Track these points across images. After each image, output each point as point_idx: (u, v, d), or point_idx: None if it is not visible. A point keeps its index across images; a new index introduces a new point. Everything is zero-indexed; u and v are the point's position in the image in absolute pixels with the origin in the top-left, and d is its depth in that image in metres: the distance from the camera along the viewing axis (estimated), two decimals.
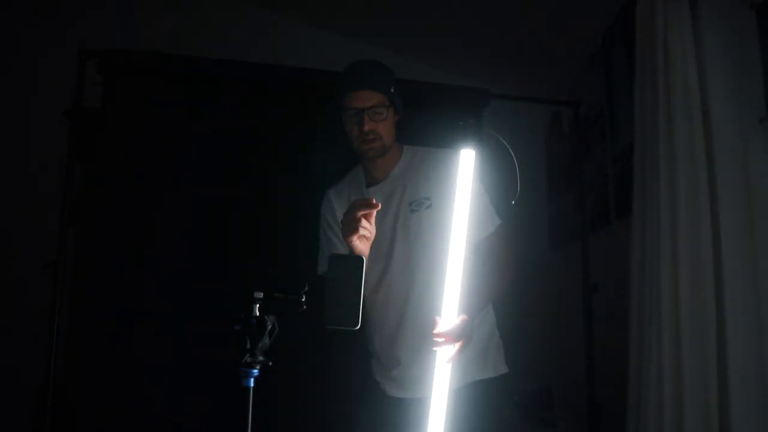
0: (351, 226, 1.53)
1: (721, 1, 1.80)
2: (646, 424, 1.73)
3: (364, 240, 1.56)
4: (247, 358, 1.14)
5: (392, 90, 1.81)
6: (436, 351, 1.52)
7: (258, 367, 1.15)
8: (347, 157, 1.96)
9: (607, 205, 2.67)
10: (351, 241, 1.55)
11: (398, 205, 1.81)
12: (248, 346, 1.15)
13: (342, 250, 1.83)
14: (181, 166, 2.36)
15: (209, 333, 1.88)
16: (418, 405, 1.70)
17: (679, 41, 1.76)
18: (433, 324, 1.52)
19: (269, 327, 1.16)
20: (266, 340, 1.16)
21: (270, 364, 1.16)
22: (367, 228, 1.54)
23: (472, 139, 1.49)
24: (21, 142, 2.94)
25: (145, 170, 2.34)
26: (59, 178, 2.26)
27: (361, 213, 1.52)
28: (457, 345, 1.52)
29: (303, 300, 1.18)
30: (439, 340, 1.50)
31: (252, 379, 1.15)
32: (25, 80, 2.98)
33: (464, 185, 1.49)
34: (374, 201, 1.52)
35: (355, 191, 1.90)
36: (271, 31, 3.21)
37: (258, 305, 1.17)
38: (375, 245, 1.75)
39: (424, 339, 1.69)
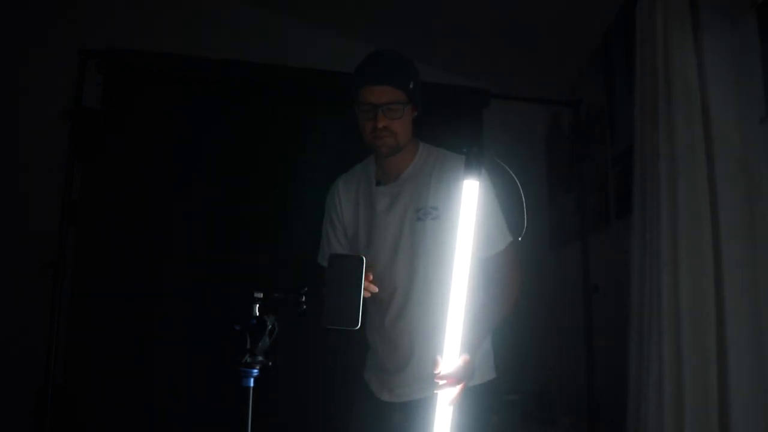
0: None
1: (721, 1, 1.80)
2: (646, 425, 1.73)
3: None
4: (247, 358, 1.14)
5: (412, 85, 1.70)
6: (433, 370, 1.48)
7: (258, 367, 1.15)
8: (347, 157, 1.95)
9: (607, 205, 2.67)
10: None
11: (405, 210, 1.74)
12: (248, 346, 1.15)
13: (337, 246, 1.82)
14: (180, 166, 2.37)
15: (209, 333, 1.88)
16: (408, 407, 1.71)
17: (679, 41, 1.76)
18: (435, 364, 1.49)
19: (269, 327, 1.16)
20: (266, 340, 1.16)
21: (270, 364, 1.16)
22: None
23: (476, 169, 1.42)
24: (21, 142, 2.94)
25: (145, 170, 2.34)
26: (59, 178, 2.26)
27: None
28: (459, 387, 1.50)
29: (303, 300, 1.18)
30: (441, 382, 1.47)
31: (252, 379, 1.14)
32: (26, 80, 2.98)
33: (467, 217, 1.43)
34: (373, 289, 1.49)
35: (364, 188, 1.83)
36: (271, 31, 3.21)
37: (258, 305, 1.17)
38: (379, 248, 1.72)
39: (413, 350, 1.69)
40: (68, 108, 2.28)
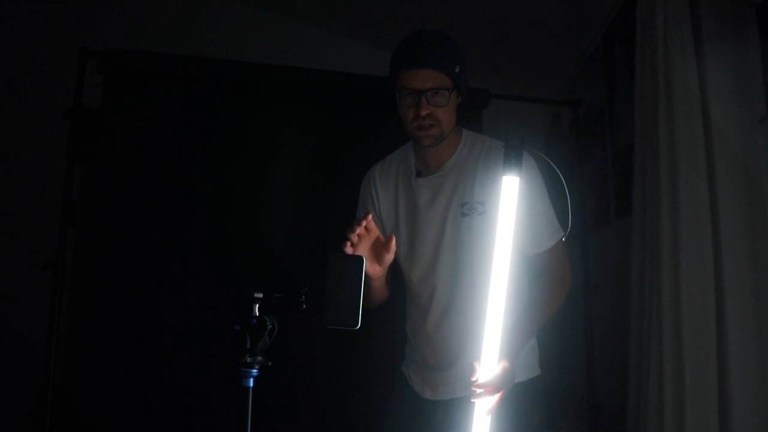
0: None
1: (721, 1, 1.80)
2: (645, 425, 1.73)
3: (375, 265, 1.45)
4: (247, 358, 1.14)
5: (458, 69, 1.56)
6: (470, 373, 1.40)
7: (258, 367, 1.15)
8: (349, 156, 1.95)
9: (607, 205, 2.67)
10: None
11: (448, 204, 1.63)
12: (248, 346, 1.15)
13: None
14: (180, 166, 2.36)
15: (209, 333, 1.88)
16: (450, 405, 1.65)
17: (679, 41, 1.76)
18: (472, 371, 1.40)
19: (269, 327, 1.16)
20: (266, 340, 1.16)
21: (270, 364, 1.16)
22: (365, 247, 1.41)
23: (517, 163, 1.32)
24: (21, 142, 2.94)
25: (145, 170, 2.34)
26: (59, 178, 2.26)
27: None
28: (498, 396, 1.41)
29: (303, 300, 1.18)
30: (478, 390, 1.39)
31: (252, 379, 1.14)
32: (25, 80, 2.98)
33: (507, 214, 1.35)
34: (369, 221, 1.39)
35: (404, 179, 1.71)
36: (271, 31, 3.21)
37: (258, 305, 1.17)
38: (422, 245, 1.64)
39: (460, 350, 1.62)
40: (68, 108, 2.28)
